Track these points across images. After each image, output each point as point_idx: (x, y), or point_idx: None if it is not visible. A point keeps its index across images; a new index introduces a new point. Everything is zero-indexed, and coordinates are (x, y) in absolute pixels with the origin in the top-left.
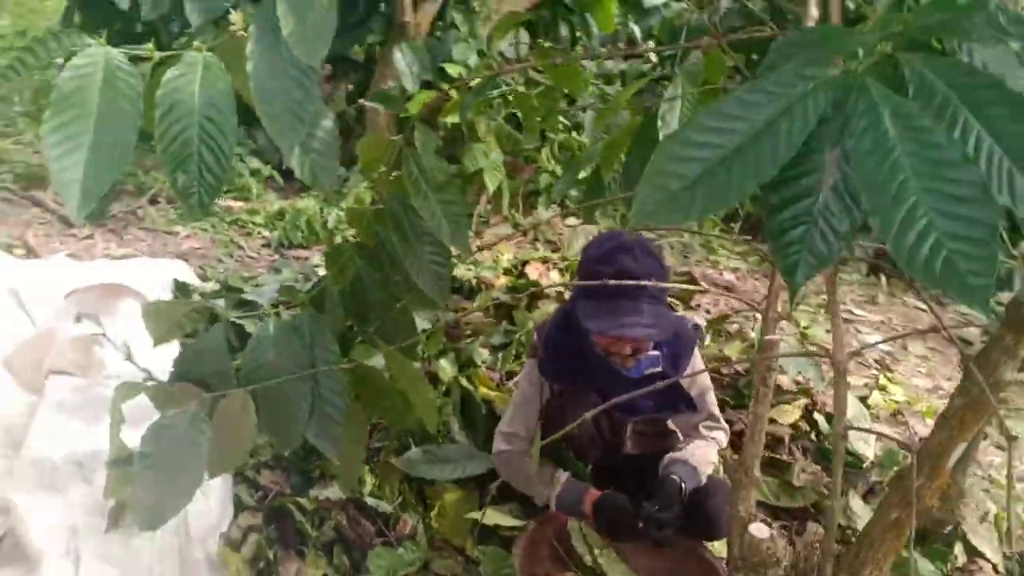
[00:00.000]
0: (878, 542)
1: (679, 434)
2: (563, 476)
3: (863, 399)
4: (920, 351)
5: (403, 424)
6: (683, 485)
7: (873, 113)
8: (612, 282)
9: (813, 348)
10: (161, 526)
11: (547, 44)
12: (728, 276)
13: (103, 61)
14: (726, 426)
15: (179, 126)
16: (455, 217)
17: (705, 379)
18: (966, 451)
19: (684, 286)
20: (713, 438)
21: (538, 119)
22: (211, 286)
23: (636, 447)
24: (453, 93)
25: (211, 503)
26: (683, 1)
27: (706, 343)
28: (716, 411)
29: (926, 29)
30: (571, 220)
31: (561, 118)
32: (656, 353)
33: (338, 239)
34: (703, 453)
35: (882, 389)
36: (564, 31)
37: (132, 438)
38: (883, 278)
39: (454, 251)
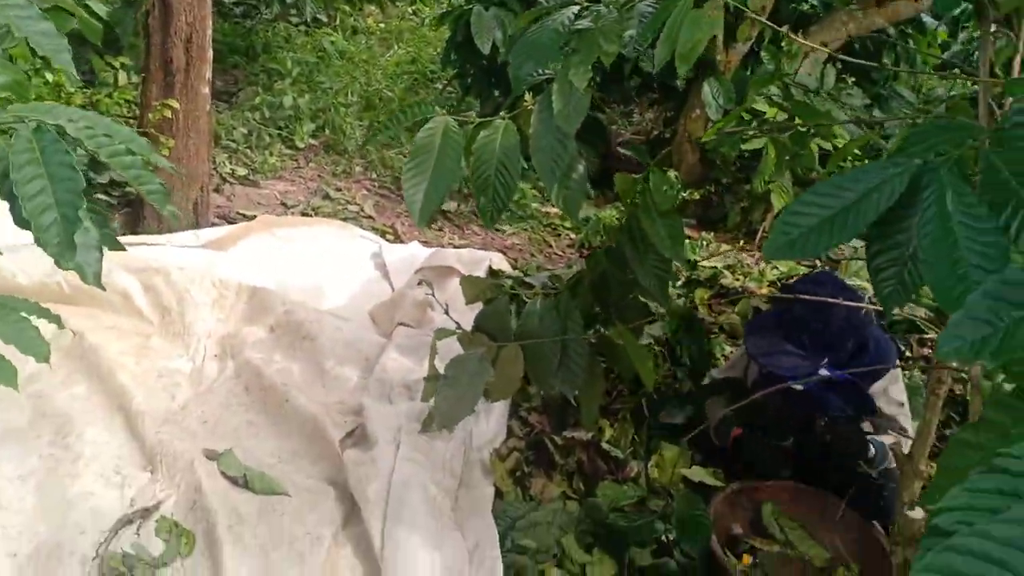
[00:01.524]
0: None
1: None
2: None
3: None
4: None
5: (630, 376)
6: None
7: (939, 193)
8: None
9: None
10: (453, 426)
11: (851, 80)
12: None
13: (443, 125)
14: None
15: (484, 167)
16: (674, 237)
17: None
18: None
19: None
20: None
21: (787, 157)
22: (516, 274)
23: (827, 434)
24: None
25: (490, 425)
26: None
27: None
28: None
29: None
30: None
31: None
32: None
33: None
34: None
35: None
36: (886, 60)
37: (441, 366)
38: None
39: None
